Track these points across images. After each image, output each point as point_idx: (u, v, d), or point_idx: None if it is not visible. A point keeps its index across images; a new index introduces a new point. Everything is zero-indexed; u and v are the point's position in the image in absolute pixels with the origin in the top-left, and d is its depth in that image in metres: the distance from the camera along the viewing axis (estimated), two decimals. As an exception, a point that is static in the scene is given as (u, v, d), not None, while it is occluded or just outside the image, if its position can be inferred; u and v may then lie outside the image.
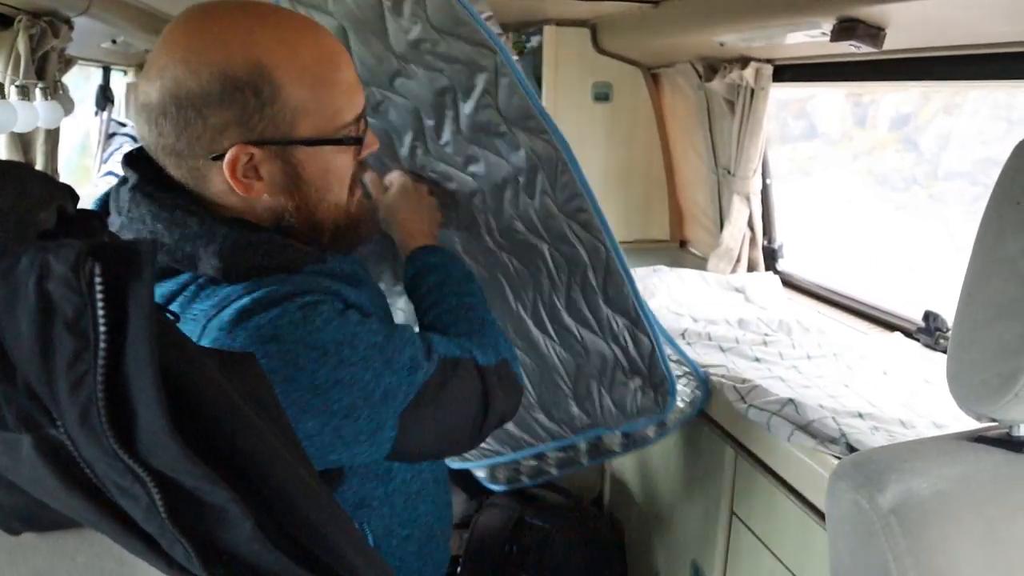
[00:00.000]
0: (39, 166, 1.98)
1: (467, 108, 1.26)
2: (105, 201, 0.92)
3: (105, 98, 2.98)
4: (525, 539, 2.01)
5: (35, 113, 1.80)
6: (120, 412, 0.44)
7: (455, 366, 0.99)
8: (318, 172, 0.91)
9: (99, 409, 0.43)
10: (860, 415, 1.41)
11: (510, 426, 1.61)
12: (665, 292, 2.16)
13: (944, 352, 1.64)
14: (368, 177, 1.34)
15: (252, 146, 0.85)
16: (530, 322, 1.46)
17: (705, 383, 1.57)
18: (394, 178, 1.36)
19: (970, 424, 0.89)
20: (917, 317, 1.84)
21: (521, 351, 1.49)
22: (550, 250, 1.37)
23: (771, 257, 2.42)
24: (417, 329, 1.08)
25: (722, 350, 1.79)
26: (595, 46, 2.64)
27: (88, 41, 2.19)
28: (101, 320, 0.42)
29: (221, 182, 0.86)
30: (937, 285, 2.16)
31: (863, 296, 2.09)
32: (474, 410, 1.03)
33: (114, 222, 0.87)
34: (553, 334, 1.46)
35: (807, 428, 1.35)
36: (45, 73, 1.87)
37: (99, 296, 0.42)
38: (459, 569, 2.04)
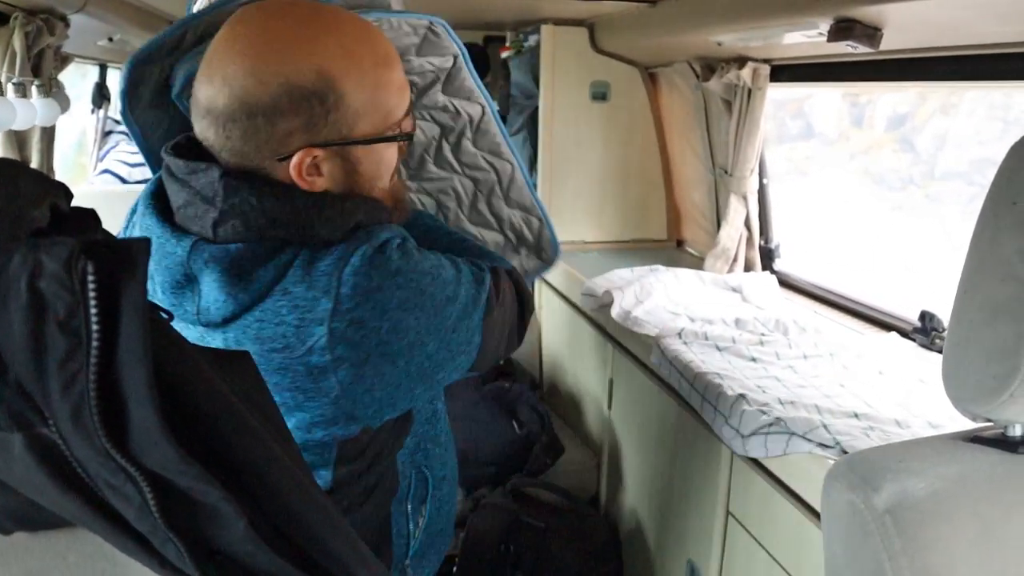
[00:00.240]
0: (35, 164, 1.97)
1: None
2: (158, 189, 0.97)
3: (101, 96, 2.98)
4: (521, 539, 2.01)
5: (31, 111, 1.79)
6: (112, 411, 0.43)
7: (497, 274, 1.11)
8: (372, 165, 0.98)
9: (91, 408, 0.43)
10: (856, 415, 1.42)
11: None
12: (662, 291, 2.16)
13: (940, 352, 1.64)
14: None
15: (316, 148, 0.91)
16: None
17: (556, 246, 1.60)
18: None
19: (965, 424, 0.89)
20: (913, 317, 1.84)
21: None
22: (460, 179, 1.51)
23: (768, 257, 2.43)
24: None
25: (719, 349, 1.79)
26: (593, 46, 2.64)
27: (84, 38, 2.18)
28: (94, 318, 0.42)
29: (284, 175, 0.92)
30: (933, 284, 2.16)
31: (859, 296, 2.09)
32: (516, 307, 1.15)
33: (200, 212, 0.91)
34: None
35: (802, 437, 1.35)
36: (41, 70, 1.87)
37: (92, 294, 0.42)
38: (455, 569, 2.03)
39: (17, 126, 1.77)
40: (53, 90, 1.98)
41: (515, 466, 2.30)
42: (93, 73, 2.96)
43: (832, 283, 2.23)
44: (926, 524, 0.79)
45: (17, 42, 1.72)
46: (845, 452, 1.29)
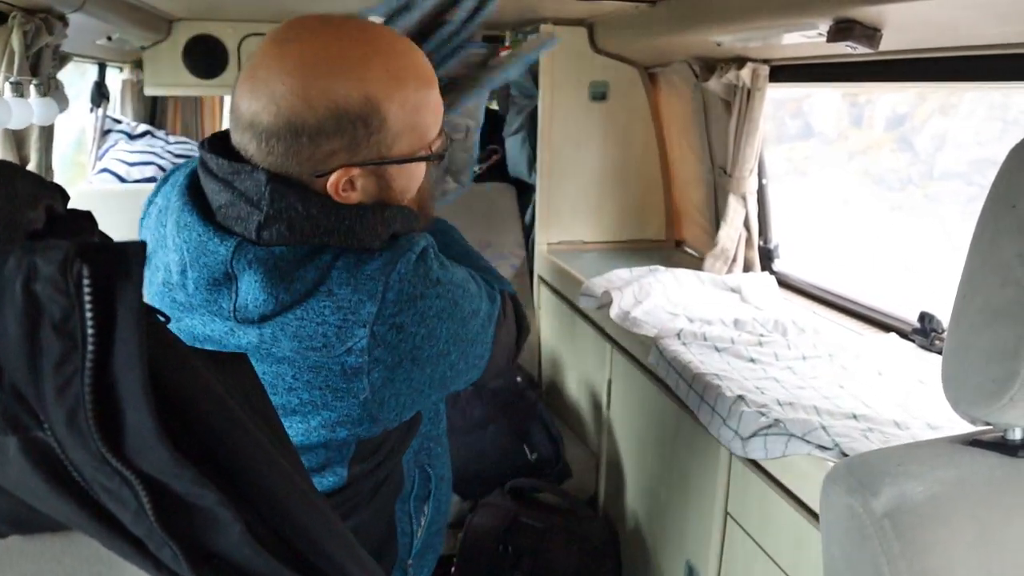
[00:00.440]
0: (33, 163, 1.97)
1: None
2: (193, 184, 0.99)
3: (100, 95, 2.98)
4: (519, 539, 2.01)
5: (30, 110, 1.79)
6: (108, 414, 0.43)
7: (504, 295, 1.15)
8: (404, 181, 1.01)
9: (86, 411, 0.43)
10: (855, 416, 1.41)
11: None
12: (661, 292, 2.16)
13: (939, 353, 1.64)
14: None
15: (353, 167, 0.93)
16: None
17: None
18: None
19: (965, 425, 0.89)
20: (912, 318, 1.84)
21: None
22: None
23: (767, 257, 2.43)
24: None
25: (717, 350, 1.79)
26: (592, 45, 2.64)
27: (83, 38, 2.18)
28: (89, 321, 0.42)
29: (320, 188, 0.95)
30: (933, 284, 2.16)
31: (858, 297, 2.09)
32: (515, 329, 1.18)
33: (245, 215, 0.93)
34: None
35: (801, 439, 1.35)
36: (40, 70, 1.86)
37: (87, 297, 0.42)
38: (453, 569, 2.03)
39: (15, 125, 1.77)
40: (52, 89, 1.97)
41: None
42: (92, 72, 2.96)
43: (831, 284, 2.22)
44: (925, 528, 0.79)
45: (15, 41, 1.72)
46: (844, 454, 1.29)
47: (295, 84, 0.88)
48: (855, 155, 3.39)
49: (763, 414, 1.43)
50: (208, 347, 0.98)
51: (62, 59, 2.08)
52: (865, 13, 1.38)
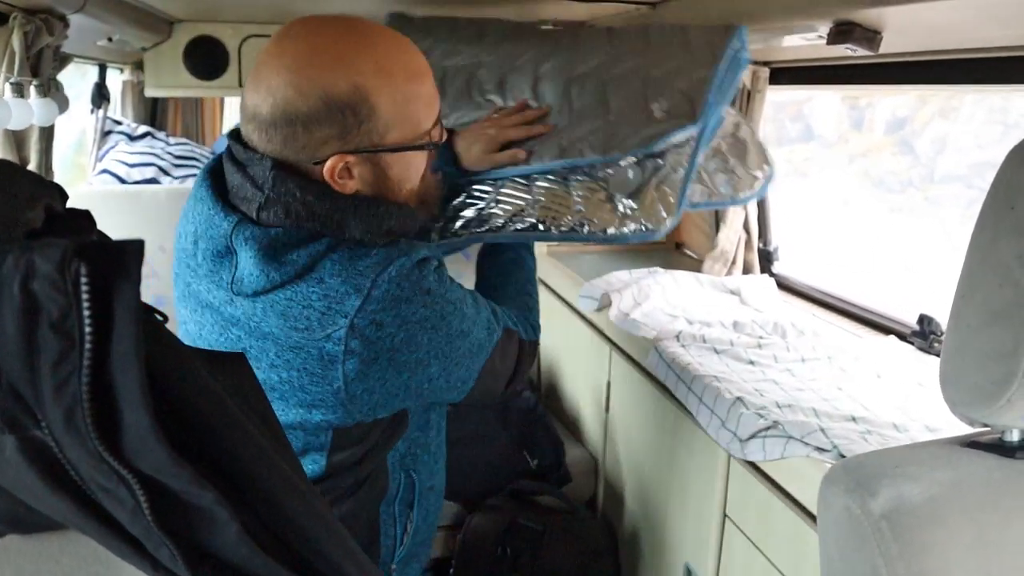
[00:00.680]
0: (34, 164, 1.97)
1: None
2: (217, 166, 1.08)
3: (101, 96, 2.97)
4: (518, 541, 2.01)
5: (30, 110, 1.79)
6: (105, 413, 0.43)
7: (511, 335, 1.18)
8: (401, 169, 1.06)
9: (84, 410, 0.43)
10: (853, 419, 1.41)
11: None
12: (660, 294, 2.16)
13: (938, 355, 1.64)
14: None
15: (348, 155, 1.00)
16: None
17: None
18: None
19: (963, 429, 0.89)
20: (911, 320, 1.84)
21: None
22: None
23: (766, 259, 2.42)
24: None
25: (716, 352, 1.79)
26: (592, 47, 2.63)
27: (84, 38, 2.18)
28: (87, 320, 0.42)
29: (319, 176, 1.02)
30: (933, 285, 2.16)
31: (858, 299, 2.09)
32: (509, 372, 1.20)
33: (251, 196, 1.01)
34: None
35: (800, 441, 1.35)
36: (40, 70, 1.86)
37: (85, 296, 0.42)
38: (451, 571, 2.03)
39: (14, 126, 1.77)
40: (52, 90, 1.97)
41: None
42: (92, 73, 2.96)
43: (831, 286, 2.22)
44: (923, 529, 0.79)
45: (16, 42, 1.72)
46: (843, 456, 1.29)
47: (290, 76, 0.96)
48: (855, 158, 3.39)
49: (762, 416, 1.43)
50: (210, 313, 1.07)
51: (62, 60, 2.08)
52: (865, 16, 1.38)
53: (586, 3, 2.13)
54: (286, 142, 0.99)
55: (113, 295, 0.42)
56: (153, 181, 2.93)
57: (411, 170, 1.08)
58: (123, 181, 2.90)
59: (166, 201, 2.66)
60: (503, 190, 1.38)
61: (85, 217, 0.52)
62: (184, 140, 3.19)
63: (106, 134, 3.01)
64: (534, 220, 1.35)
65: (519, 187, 1.38)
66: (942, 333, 1.74)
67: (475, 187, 1.38)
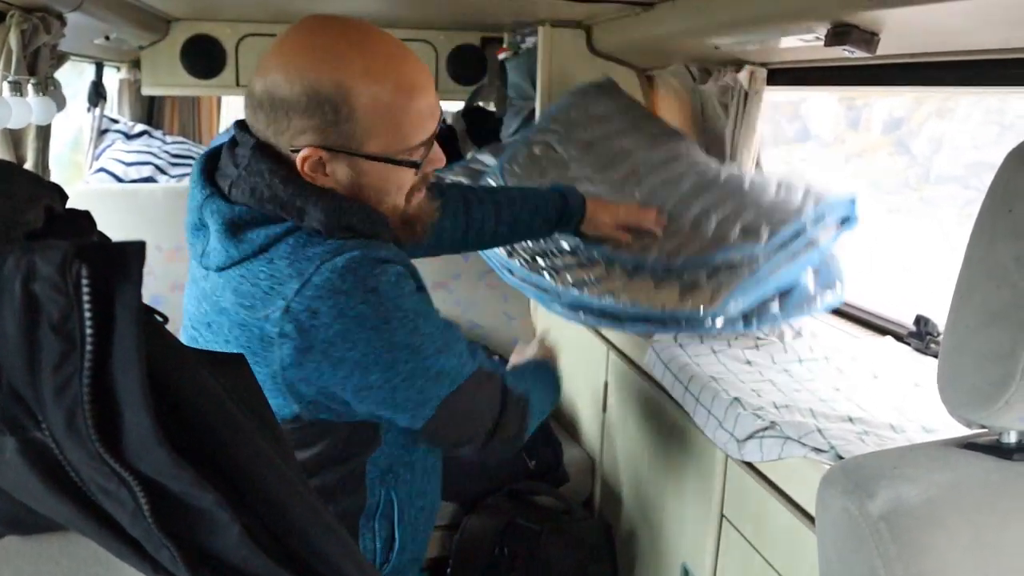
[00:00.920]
0: (30, 162, 1.96)
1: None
2: (217, 150, 1.11)
3: (98, 94, 2.97)
4: (515, 541, 2.01)
5: (27, 109, 1.79)
6: (106, 415, 0.43)
7: (489, 376, 1.17)
8: (377, 180, 1.07)
9: (85, 412, 0.43)
10: (850, 419, 1.42)
11: None
12: (658, 294, 2.16)
13: (935, 356, 1.64)
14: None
15: (323, 150, 1.02)
16: None
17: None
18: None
19: (960, 429, 0.89)
20: (908, 321, 1.84)
21: None
22: None
23: (764, 260, 2.42)
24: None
25: (714, 352, 1.79)
26: (590, 47, 2.63)
27: (81, 37, 2.18)
28: (88, 322, 0.42)
29: (294, 163, 1.03)
30: (930, 285, 2.16)
31: (854, 300, 2.09)
32: (490, 419, 1.18)
33: (230, 173, 1.05)
34: None
35: (797, 441, 1.35)
36: (37, 69, 1.86)
37: (86, 298, 0.42)
38: (448, 571, 2.03)
39: (12, 124, 1.76)
40: (49, 88, 1.97)
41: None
42: (89, 71, 2.95)
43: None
44: (921, 531, 0.79)
45: (13, 40, 1.71)
46: (840, 456, 1.29)
47: (283, 62, 1.00)
48: (852, 158, 3.40)
49: (759, 416, 1.43)
50: (193, 287, 1.11)
51: (59, 58, 2.07)
52: (863, 18, 1.38)
53: (583, 3, 2.13)
54: (269, 125, 1.02)
55: (114, 296, 0.42)
56: (150, 180, 2.92)
57: (389, 183, 1.08)
58: (120, 180, 2.90)
59: (163, 200, 2.66)
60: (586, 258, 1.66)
61: (85, 218, 0.52)
62: (181, 139, 3.19)
63: (103, 132, 3.00)
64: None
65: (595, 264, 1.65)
66: (938, 334, 1.75)
67: (571, 243, 1.63)
